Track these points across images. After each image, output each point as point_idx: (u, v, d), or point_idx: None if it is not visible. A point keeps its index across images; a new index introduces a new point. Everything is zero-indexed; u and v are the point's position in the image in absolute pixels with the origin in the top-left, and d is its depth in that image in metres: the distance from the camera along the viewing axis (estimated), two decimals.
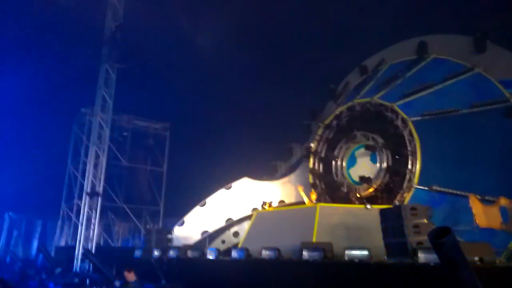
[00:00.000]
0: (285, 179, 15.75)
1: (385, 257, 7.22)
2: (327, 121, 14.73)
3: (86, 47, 15.32)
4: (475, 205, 8.93)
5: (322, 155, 14.56)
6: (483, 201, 9.02)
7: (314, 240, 9.12)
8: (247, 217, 13.70)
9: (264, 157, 17.47)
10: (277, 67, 16.26)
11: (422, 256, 6.01)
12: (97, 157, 14.21)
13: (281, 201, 14.56)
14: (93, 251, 12.60)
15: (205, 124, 17.05)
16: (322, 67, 15.88)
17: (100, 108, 14.55)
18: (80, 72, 15.55)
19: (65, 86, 15.91)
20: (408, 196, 11.19)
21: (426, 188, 10.78)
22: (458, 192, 9.31)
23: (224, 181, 15.43)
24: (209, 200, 14.88)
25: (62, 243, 15.89)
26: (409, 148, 11.63)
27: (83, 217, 13.50)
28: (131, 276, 6.79)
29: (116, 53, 14.61)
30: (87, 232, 13.48)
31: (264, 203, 13.05)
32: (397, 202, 10.97)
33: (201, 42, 16.76)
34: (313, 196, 12.44)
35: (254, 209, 13.29)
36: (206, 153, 17.59)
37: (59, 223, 16.16)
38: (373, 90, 13.82)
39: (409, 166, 11.46)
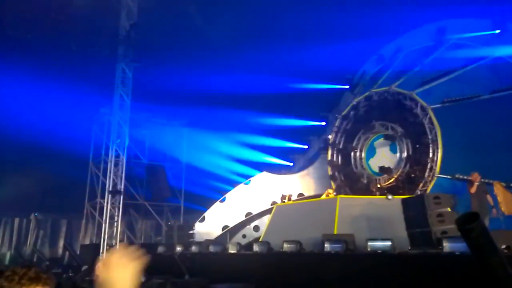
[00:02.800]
0: (304, 172, 15.71)
1: (409, 248, 7.13)
2: (344, 112, 14.60)
3: (102, 47, 15.50)
4: (500, 192, 8.75)
5: (341, 146, 14.44)
6: (508, 188, 8.83)
7: (335, 232, 9.08)
8: (267, 211, 13.72)
9: (282, 150, 17.43)
10: (293, 59, 16.13)
11: (447, 246, 5.91)
12: (117, 156, 14.42)
13: (300, 194, 14.53)
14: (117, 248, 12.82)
15: (221, 119, 17.08)
16: (338, 57, 15.68)
17: (118, 107, 14.74)
18: (97, 72, 15.75)
19: (83, 87, 16.15)
20: (430, 185, 11.02)
21: (448, 176, 10.60)
22: (482, 180, 9.09)
23: (243, 176, 15.51)
24: (229, 195, 14.96)
25: (87, 241, 16.24)
26: (429, 137, 11.44)
27: (106, 216, 13.75)
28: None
29: (131, 52, 14.75)
30: (110, 230, 13.72)
31: (284, 197, 13.06)
32: (419, 192, 10.82)
33: (217, 37, 16.76)
34: (330, 191, 12.29)
35: (274, 203, 13.29)
36: (224, 149, 17.64)
37: (83, 222, 16.49)
38: (390, 79, 13.61)
39: (430, 155, 11.27)
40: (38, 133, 16.83)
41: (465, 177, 9.15)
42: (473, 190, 8.52)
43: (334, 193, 12.20)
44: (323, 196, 12.13)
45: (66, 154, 16.41)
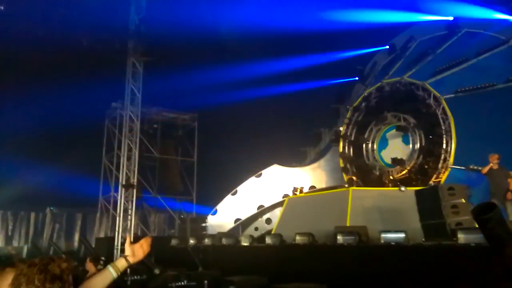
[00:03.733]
0: (315, 165, 15.67)
1: (423, 239, 7.09)
2: (355, 104, 14.48)
3: (113, 42, 15.57)
4: None
5: (352, 138, 14.34)
6: None
7: (347, 224, 9.06)
8: (279, 204, 13.74)
9: (293, 143, 17.42)
10: (303, 51, 16.04)
11: (462, 237, 5.86)
12: (129, 149, 14.54)
13: (312, 187, 14.51)
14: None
15: (232, 113, 17.08)
16: (349, 48, 15.55)
17: (129, 101, 14.82)
18: (108, 67, 15.84)
19: (95, 82, 16.27)
20: (444, 177, 10.90)
21: (462, 167, 10.46)
22: (499, 164, 8.94)
23: (254, 169, 15.53)
24: (240, 188, 15.01)
25: (102, 235, 16.48)
26: (443, 127, 11.30)
27: (120, 209, 13.91)
28: (91, 267, 6.01)
29: (141, 46, 14.78)
30: (124, 223, 13.89)
31: (295, 189, 13.05)
32: (432, 183, 10.72)
33: (226, 30, 16.70)
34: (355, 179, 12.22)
35: (285, 195, 13.31)
36: (235, 142, 17.67)
37: (98, 215, 16.73)
38: (402, 69, 13.44)
39: (444, 146, 11.14)
40: (52, 128, 17.05)
41: (479, 168, 9.02)
42: (483, 171, 8.45)
43: (358, 181, 12.14)
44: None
45: (79, 148, 16.61)
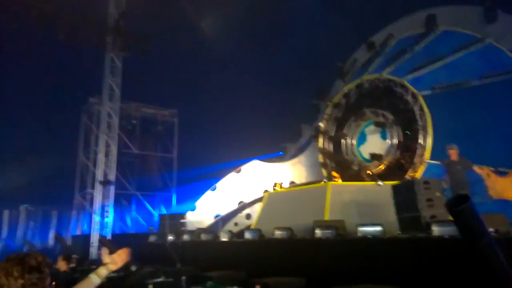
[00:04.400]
0: (295, 160, 15.74)
1: (399, 232, 7.19)
2: (335, 100, 14.59)
3: (91, 37, 15.25)
4: (488, 177, 8.83)
5: (332, 134, 14.46)
6: (497, 172, 8.91)
7: (326, 218, 9.12)
8: (259, 199, 13.74)
9: (273, 139, 17.44)
10: (283, 47, 16.06)
11: (436, 229, 5.96)
12: (107, 146, 14.30)
13: (292, 182, 14.56)
14: (108, 238, 12.79)
15: (212, 108, 17.01)
16: (329, 45, 15.63)
17: (108, 97, 14.56)
18: (86, 62, 15.53)
19: (72, 76, 15.93)
20: (420, 171, 11.10)
21: (438, 162, 10.65)
22: (459, 156, 9.15)
23: (234, 164, 15.49)
24: (220, 184, 14.94)
25: (78, 232, 16.18)
26: (420, 123, 11.49)
27: (97, 206, 13.67)
28: (63, 265, 6.01)
29: (120, 41, 14.53)
30: (102, 220, 13.66)
31: (275, 184, 13.07)
32: (408, 177, 10.89)
33: (206, 26, 16.56)
34: (335, 175, 12.31)
35: (265, 191, 13.31)
36: (215, 138, 17.60)
37: (74, 212, 16.42)
38: (381, 66, 13.61)
39: (420, 141, 11.33)
40: (27, 123, 16.62)
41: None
42: (443, 163, 8.48)
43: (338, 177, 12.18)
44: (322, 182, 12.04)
45: (54, 144, 16.25)
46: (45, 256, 2.12)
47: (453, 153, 8.48)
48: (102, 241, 11.63)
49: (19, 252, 2.07)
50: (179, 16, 16.48)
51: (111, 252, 2.57)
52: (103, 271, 2.46)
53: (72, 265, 6.20)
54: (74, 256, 9.66)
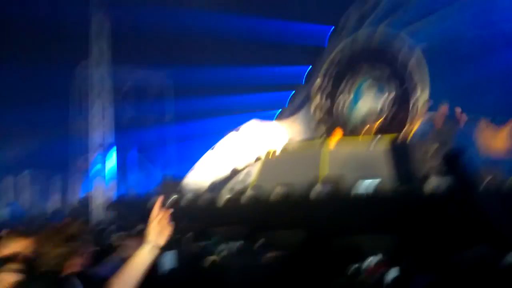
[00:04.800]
0: (292, 118, 15.79)
1: (397, 185, 7.40)
2: (331, 56, 14.43)
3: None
4: (483, 131, 8.93)
5: (328, 91, 14.42)
6: (494, 121, 9.01)
7: (325, 173, 9.31)
8: (256, 160, 13.87)
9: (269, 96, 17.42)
10: (276, 6, 15.66)
11: (433, 181, 6.15)
12: (104, 109, 14.26)
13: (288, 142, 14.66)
14: (112, 200, 13.08)
15: (209, 65, 16.75)
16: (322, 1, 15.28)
17: (98, 59, 14.33)
18: (73, 24, 15.10)
19: (60, 40, 15.53)
20: (416, 125, 11.22)
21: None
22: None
23: (233, 125, 15.54)
24: (219, 144, 15.06)
25: (82, 196, 16.44)
26: (416, 76, 11.49)
27: (101, 169, 13.83)
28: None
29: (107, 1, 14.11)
30: (105, 184, 13.87)
31: (268, 153, 13.05)
32: (406, 131, 11.04)
33: None
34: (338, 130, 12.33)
35: (258, 158, 13.37)
36: (211, 97, 17.50)
37: (78, 175, 16.62)
38: (377, 20, 13.39)
39: (417, 94, 11.39)
40: (20, 90, 16.40)
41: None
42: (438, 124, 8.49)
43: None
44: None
45: (50, 111, 16.11)
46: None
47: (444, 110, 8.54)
48: (107, 204, 11.91)
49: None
50: None
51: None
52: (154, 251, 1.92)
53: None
54: (81, 218, 9.92)
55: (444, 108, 8.61)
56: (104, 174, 13.92)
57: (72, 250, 2.04)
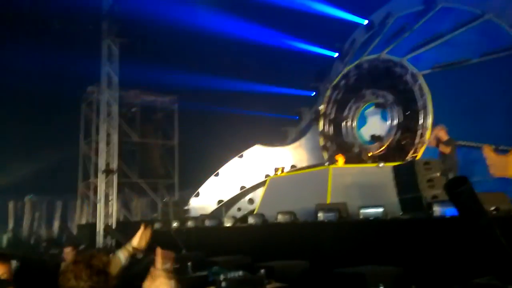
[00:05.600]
0: (296, 144, 15.75)
1: (400, 213, 7.25)
2: (335, 82, 14.51)
3: (86, 23, 15.09)
4: (489, 155, 8.84)
5: (332, 116, 14.43)
6: (497, 150, 8.92)
7: (328, 201, 9.19)
8: (261, 184, 13.82)
9: (274, 123, 17.44)
10: (282, 30, 15.90)
11: (437, 210, 6.01)
12: (108, 134, 14.31)
13: (293, 166, 14.61)
14: (113, 226, 12.94)
15: (212, 94, 16.93)
16: (327, 25, 15.48)
17: (106, 85, 14.50)
18: (83, 50, 15.41)
19: (69, 65, 15.81)
20: (420, 152, 11.11)
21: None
22: (472, 144, 9.19)
23: (236, 150, 15.52)
24: (222, 170, 15.00)
25: (83, 221, 16.34)
26: (420, 103, 11.45)
27: (100, 195, 13.77)
28: (70, 255, 5.37)
29: (116, 27, 14.38)
30: (106, 209, 13.78)
31: (277, 169, 13.12)
32: (410, 158, 10.92)
33: (205, 9, 16.35)
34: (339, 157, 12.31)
35: (267, 176, 13.37)
36: (216, 123, 17.60)
37: (78, 202, 16.55)
38: (380, 46, 13.48)
39: (421, 121, 11.31)
40: (27, 115, 16.61)
41: (456, 142, 9.21)
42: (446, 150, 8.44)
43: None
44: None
45: (56, 135, 16.27)
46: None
47: (442, 134, 8.54)
48: (108, 230, 11.81)
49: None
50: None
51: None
52: (129, 248, 2.63)
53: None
54: (82, 245, 9.80)
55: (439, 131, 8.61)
56: (106, 200, 13.84)
57: (97, 286, 2.06)
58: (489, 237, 3.12)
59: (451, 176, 7.79)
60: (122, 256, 2.60)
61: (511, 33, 10.61)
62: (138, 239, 2.76)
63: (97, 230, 13.32)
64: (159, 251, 2.63)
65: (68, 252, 6.01)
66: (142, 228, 2.85)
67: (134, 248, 2.71)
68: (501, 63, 10.38)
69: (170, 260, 2.59)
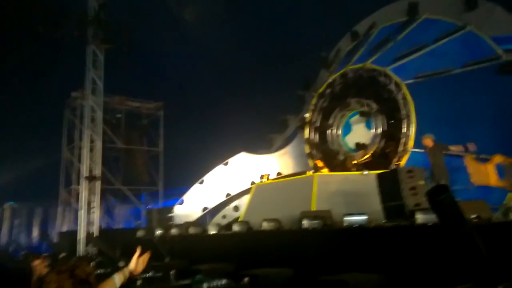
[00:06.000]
0: (282, 151, 15.78)
1: (384, 221, 7.30)
2: (320, 90, 14.62)
3: (71, 29, 14.93)
4: (470, 164, 9.01)
5: (317, 124, 14.51)
6: (478, 159, 9.08)
7: (313, 209, 9.21)
8: (246, 191, 13.78)
9: (260, 130, 17.45)
10: (268, 38, 16.00)
11: (419, 217, 6.08)
12: (92, 140, 14.13)
13: (279, 173, 14.63)
14: (95, 234, 12.72)
15: (198, 100, 16.91)
16: (313, 35, 15.64)
17: (90, 90, 14.34)
18: (67, 56, 15.23)
19: (53, 71, 15.62)
20: (404, 160, 11.24)
21: (421, 150, 10.80)
22: (453, 152, 9.33)
23: (221, 157, 15.47)
24: (207, 177, 14.92)
25: (64, 229, 16.02)
26: (403, 112, 11.60)
27: (82, 202, 13.54)
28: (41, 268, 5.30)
29: (101, 33, 14.27)
30: (88, 217, 13.55)
31: (262, 176, 13.12)
32: (393, 166, 11.03)
33: (189, 16, 16.38)
34: (320, 164, 12.48)
35: (253, 183, 13.35)
36: (201, 130, 17.55)
37: (60, 209, 16.23)
38: (365, 56, 13.65)
39: (404, 130, 11.46)
40: (8, 120, 16.29)
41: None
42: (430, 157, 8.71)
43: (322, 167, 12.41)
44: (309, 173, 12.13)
45: (38, 141, 16.00)
46: (92, 267, 2.34)
47: (428, 142, 8.77)
48: (89, 238, 11.59)
49: (69, 263, 2.19)
50: (162, 7, 16.26)
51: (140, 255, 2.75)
52: (125, 273, 2.61)
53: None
54: (62, 254, 9.60)
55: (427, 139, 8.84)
56: (89, 207, 13.60)
57: None
58: (469, 245, 3.16)
59: (442, 183, 7.95)
60: (117, 280, 2.54)
61: (491, 44, 10.86)
62: (135, 264, 2.71)
63: (78, 238, 13.06)
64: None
65: (37, 264, 5.72)
66: (138, 252, 2.78)
67: (130, 273, 2.67)
68: (482, 73, 10.60)
69: (143, 265, 2.64)
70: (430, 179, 8.21)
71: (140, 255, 2.71)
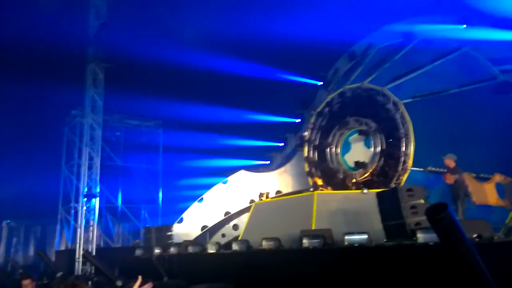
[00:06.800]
0: (281, 169, 15.78)
1: (385, 240, 7.28)
2: (319, 109, 14.75)
3: (72, 48, 15.11)
4: (471, 183, 9.03)
5: (316, 143, 14.59)
6: (478, 178, 9.12)
7: (313, 227, 9.17)
8: (246, 210, 13.73)
9: (259, 149, 17.49)
10: (266, 57, 16.19)
11: (421, 236, 6.07)
12: (91, 158, 14.12)
13: (278, 192, 14.60)
14: (93, 253, 12.58)
15: (197, 119, 16.97)
16: (311, 55, 15.83)
17: (90, 109, 14.40)
18: (68, 74, 15.36)
19: (53, 89, 15.72)
20: (403, 178, 11.27)
21: (421, 169, 10.86)
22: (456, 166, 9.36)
23: (221, 175, 15.46)
24: (207, 195, 14.87)
25: (62, 247, 15.85)
26: (402, 131, 11.70)
27: (81, 220, 13.45)
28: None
29: (102, 52, 14.44)
30: (86, 235, 13.43)
31: (262, 194, 13.10)
32: (393, 185, 11.05)
33: (189, 35, 16.60)
34: (319, 182, 12.50)
35: (252, 201, 13.31)
36: (200, 149, 17.55)
37: (58, 227, 16.09)
38: (363, 75, 13.83)
39: (403, 149, 11.53)
40: (7, 137, 16.31)
41: (437, 169, 9.43)
42: (449, 180, 8.74)
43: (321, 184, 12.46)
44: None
45: (37, 158, 15.98)
46: (90, 286, 2.38)
47: (450, 162, 8.80)
48: (87, 257, 11.47)
49: (67, 283, 2.28)
50: (161, 25, 16.49)
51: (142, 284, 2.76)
52: None
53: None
54: (59, 273, 9.50)
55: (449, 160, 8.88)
56: (87, 225, 13.51)
57: None
58: (470, 265, 3.16)
59: (459, 204, 8.04)
60: None
61: (487, 65, 11.03)
62: None
63: (76, 256, 12.92)
64: (139, 278, 2.65)
65: (26, 285, 5.64)
66: (139, 280, 2.79)
67: None
68: (479, 93, 10.74)
69: None
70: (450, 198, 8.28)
71: (142, 284, 2.71)
